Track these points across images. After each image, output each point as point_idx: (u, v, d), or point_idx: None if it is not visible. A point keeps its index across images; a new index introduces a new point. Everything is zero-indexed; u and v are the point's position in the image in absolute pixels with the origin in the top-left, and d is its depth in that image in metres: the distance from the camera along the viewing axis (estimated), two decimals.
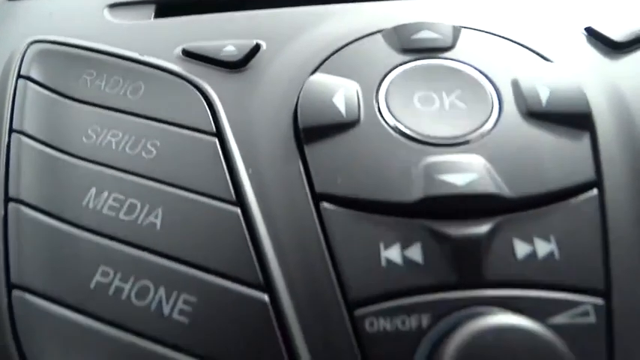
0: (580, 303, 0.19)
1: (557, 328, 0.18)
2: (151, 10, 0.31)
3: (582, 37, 0.26)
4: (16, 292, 0.20)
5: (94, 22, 0.29)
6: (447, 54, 0.25)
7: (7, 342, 0.19)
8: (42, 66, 0.26)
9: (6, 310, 0.19)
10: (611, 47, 0.26)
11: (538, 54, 0.25)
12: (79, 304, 0.20)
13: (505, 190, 0.20)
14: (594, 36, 0.26)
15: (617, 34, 0.26)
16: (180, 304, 0.19)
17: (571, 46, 0.26)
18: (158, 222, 0.21)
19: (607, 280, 0.19)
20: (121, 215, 0.21)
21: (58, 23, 0.30)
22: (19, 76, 0.26)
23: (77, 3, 0.31)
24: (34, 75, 0.26)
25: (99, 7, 0.30)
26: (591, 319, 0.18)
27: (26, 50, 0.27)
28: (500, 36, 0.26)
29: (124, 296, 0.20)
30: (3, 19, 0.31)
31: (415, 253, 0.20)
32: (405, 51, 0.25)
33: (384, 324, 0.18)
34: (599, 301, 0.19)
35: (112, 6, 0.30)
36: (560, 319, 0.18)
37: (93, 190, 0.22)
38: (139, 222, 0.21)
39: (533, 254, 0.19)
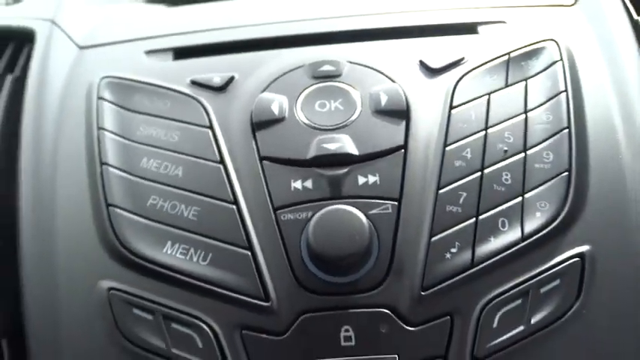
0: (385, 204, 0.38)
1: (372, 215, 0.38)
2: (170, 54, 0.50)
3: (416, 65, 0.46)
4: (111, 208, 0.40)
5: (138, 63, 0.49)
6: (337, 79, 0.44)
7: (111, 237, 0.39)
8: (110, 91, 0.46)
9: (107, 219, 0.39)
10: (431, 72, 0.45)
11: (388, 77, 0.45)
12: (142, 214, 0.39)
13: (355, 151, 0.40)
14: (423, 65, 0.45)
15: (436, 64, 0.45)
16: (192, 211, 0.39)
17: (409, 71, 0.45)
18: (180, 173, 0.41)
19: (400, 193, 0.39)
20: (161, 170, 0.41)
21: (116, 63, 0.50)
22: (98, 97, 0.46)
23: (126, 50, 0.51)
24: (106, 97, 0.46)
25: (140, 52, 0.50)
26: (390, 211, 0.38)
27: (100, 82, 0.47)
28: (369, 67, 0.45)
29: (164, 208, 0.40)
30: (80, 62, 0.51)
31: (309, 183, 0.39)
32: (315, 77, 0.45)
33: (290, 216, 0.38)
34: (395, 203, 0.38)
35: (148, 52, 0.50)
36: (374, 211, 0.38)
37: (145, 159, 0.42)
38: (170, 173, 0.41)
39: (366, 182, 0.39)
